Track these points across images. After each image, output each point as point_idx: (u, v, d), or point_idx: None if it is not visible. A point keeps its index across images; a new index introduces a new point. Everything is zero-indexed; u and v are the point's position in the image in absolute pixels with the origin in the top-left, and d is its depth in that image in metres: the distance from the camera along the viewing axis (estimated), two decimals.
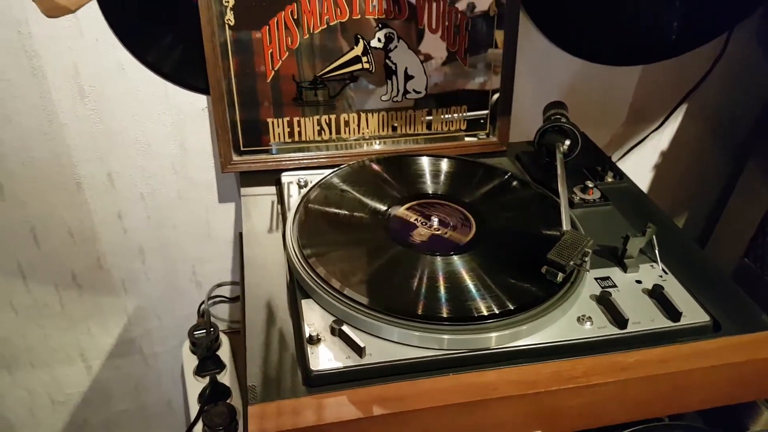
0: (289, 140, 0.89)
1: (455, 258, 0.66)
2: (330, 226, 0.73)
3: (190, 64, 0.85)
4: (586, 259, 0.64)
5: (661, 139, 1.15)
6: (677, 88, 1.07)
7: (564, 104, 0.90)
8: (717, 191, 1.22)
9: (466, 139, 0.94)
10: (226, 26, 0.79)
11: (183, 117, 0.91)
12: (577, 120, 0.88)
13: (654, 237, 0.70)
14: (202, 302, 1.10)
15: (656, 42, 0.98)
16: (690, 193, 1.26)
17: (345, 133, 0.90)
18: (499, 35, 0.88)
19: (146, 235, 1.02)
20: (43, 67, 0.82)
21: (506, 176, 0.83)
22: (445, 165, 0.85)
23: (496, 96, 0.92)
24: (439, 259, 0.66)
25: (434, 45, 0.87)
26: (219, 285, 1.12)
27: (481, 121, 0.94)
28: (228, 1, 0.78)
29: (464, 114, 0.93)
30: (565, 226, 0.67)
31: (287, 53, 0.83)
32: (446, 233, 0.71)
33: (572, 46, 0.97)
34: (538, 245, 0.66)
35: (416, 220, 0.73)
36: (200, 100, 0.90)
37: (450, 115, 0.92)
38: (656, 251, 0.70)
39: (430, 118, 0.92)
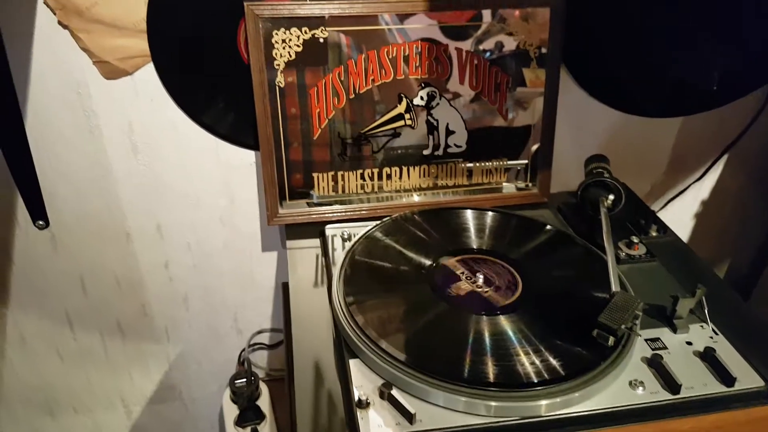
0: (333, 193, 0.91)
1: (502, 318, 0.66)
2: (375, 282, 0.73)
3: (240, 123, 0.88)
4: (637, 321, 0.63)
5: (702, 188, 1.14)
6: (718, 138, 1.07)
7: (605, 158, 0.90)
8: (760, 239, 1.20)
9: (507, 190, 0.95)
10: (277, 88, 0.82)
11: (232, 171, 0.93)
12: (616, 169, 0.89)
13: (703, 297, 0.69)
14: (243, 350, 1.11)
15: (696, 94, 0.98)
16: (732, 241, 1.24)
17: (387, 185, 0.92)
18: (528, 73, 0.89)
19: (191, 283, 1.04)
20: (99, 125, 0.86)
21: (552, 232, 0.83)
22: (489, 219, 0.85)
23: (536, 147, 0.93)
24: (485, 319, 0.66)
25: (475, 101, 0.89)
26: (259, 332, 1.13)
27: (518, 168, 0.94)
28: (279, 65, 0.81)
29: (504, 165, 0.94)
30: (614, 286, 0.67)
31: (333, 112, 0.86)
32: (492, 291, 0.71)
33: (610, 98, 0.97)
34: (586, 305, 0.66)
35: (462, 273, 0.73)
36: (249, 155, 0.92)
37: (490, 166, 0.93)
38: (706, 311, 0.69)
39: (471, 168, 0.93)
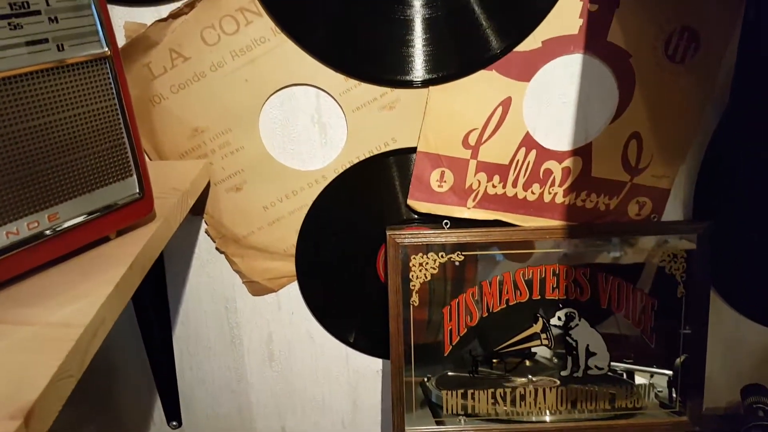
0: (462, 412, 0.87)
1: None
2: None
3: (372, 335, 0.89)
4: None
5: None
6: None
7: (764, 389, 0.82)
8: None
9: (655, 417, 0.87)
10: (411, 307, 0.83)
11: (359, 377, 0.93)
12: None
13: None
14: None
15: None
16: None
17: (521, 406, 0.87)
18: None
19: None
20: (241, 335, 0.89)
21: None
22: None
23: (683, 357, 0.86)
24: None
25: (618, 324, 0.85)
26: None
27: (664, 388, 0.87)
28: (415, 285, 0.83)
29: (651, 391, 0.87)
30: None
31: (466, 330, 0.85)
32: None
33: (762, 316, 0.90)
34: None
35: None
36: (376, 363, 0.92)
37: (635, 392, 0.87)
38: None
39: (614, 394, 0.87)
